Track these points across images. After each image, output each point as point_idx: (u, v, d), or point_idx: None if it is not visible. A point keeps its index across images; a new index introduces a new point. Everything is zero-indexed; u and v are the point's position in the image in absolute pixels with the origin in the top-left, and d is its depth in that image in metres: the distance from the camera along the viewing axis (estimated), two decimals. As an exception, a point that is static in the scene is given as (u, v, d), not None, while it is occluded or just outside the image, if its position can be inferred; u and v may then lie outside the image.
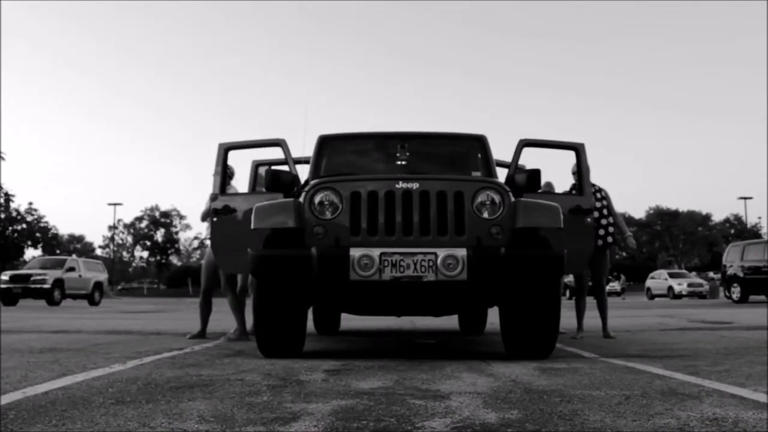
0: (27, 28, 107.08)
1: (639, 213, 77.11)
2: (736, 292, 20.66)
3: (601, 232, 6.72)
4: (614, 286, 40.76)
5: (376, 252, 4.28)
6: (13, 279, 22.16)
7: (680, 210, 73.91)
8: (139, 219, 75.90)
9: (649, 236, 74.74)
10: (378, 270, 4.26)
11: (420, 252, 4.30)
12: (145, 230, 76.25)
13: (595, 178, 6.94)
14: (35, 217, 56.47)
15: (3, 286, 21.88)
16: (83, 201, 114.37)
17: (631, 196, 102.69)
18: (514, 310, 4.63)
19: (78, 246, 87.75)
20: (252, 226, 4.73)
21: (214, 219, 5.72)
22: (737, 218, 71.81)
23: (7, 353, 4.92)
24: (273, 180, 5.21)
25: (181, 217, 75.03)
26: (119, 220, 73.88)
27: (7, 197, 52.32)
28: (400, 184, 4.52)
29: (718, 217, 75.58)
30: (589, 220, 5.95)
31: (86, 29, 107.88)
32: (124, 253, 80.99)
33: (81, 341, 6.18)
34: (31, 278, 21.92)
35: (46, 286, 21.74)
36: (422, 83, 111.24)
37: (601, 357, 4.73)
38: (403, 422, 2.38)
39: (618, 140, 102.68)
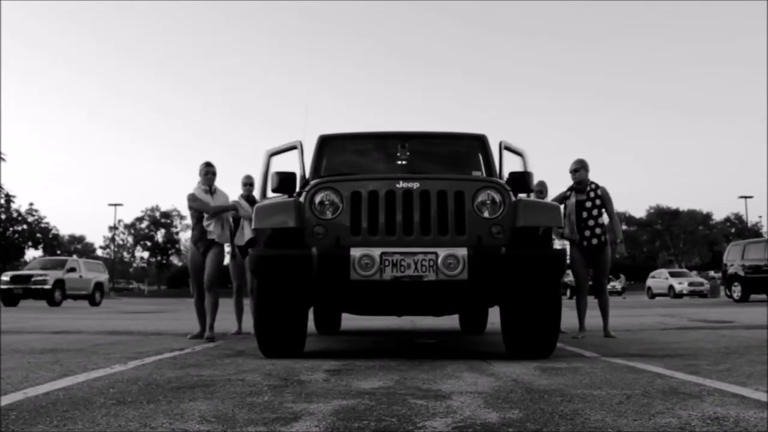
0: (27, 28, 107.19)
1: (639, 212, 77.17)
2: (736, 291, 20.66)
3: (597, 231, 6.69)
4: (615, 285, 40.74)
5: (376, 252, 4.28)
6: (13, 280, 22.15)
7: (681, 209, 73.89)
8: (140, 219, 75.92)
9: (649, 235, 74.73)
10: (378, 270, 4.26)
11: (420, 252, 4.30)
12: (146, 231, 76.24)
13: (596, 177, 6.94)
14: (36, 217, 56.47)
15: (4, 286, 21.87)
16: (84, 201, 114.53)
17: (632, 196, 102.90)
18: (514, 310, 4.63)
19: (78, 246, 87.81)
20: (253, 226, 4.73)
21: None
22: (738, 217, 71.76)
23: (8, 354, 4.92)
24: (279, 182, 5.31)
25: (182, 218, 74.95)
26: (120, 221, 73.99)
27: (8, 198, 52.32)
28: (401, 184, 4.52)
29: (718, 216, 75.62)
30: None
31: (86, 29, 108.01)
32: (125, 254, 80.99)
33: (82, 342, 6.18)
34: (32, 279, 21.91)
35: (46, 286, 21.74)
36: (422, 83, 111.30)
37: (602, 356, 4.73)
38: (404, 422, 2.38)
39: (618, 140, 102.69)
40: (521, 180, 5.37)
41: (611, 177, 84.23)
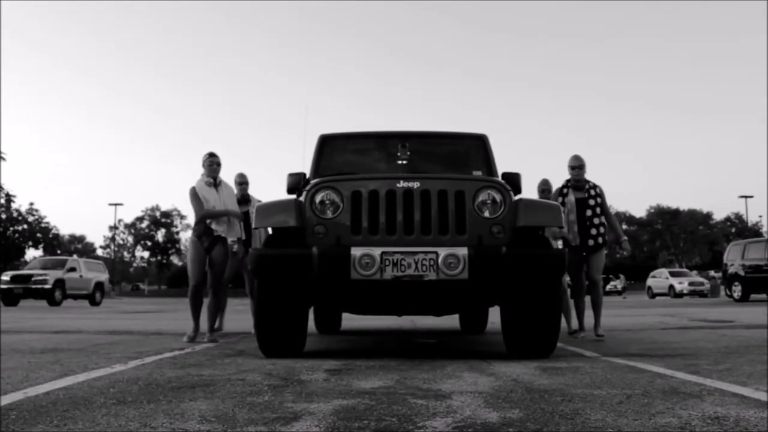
0: (27, 28, 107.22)
1: (640, 212, 77.15)
2: (737, 290, 20.67)
3: (593, 231, 6.46)
4: (615, 285, 40.74)
5: (377, 251, 4.28)
6: (14, 279, 22.17)
7: (681, 209, 73.89)
8: (140, 219, 75.89)
9: (649, 235, 74.73)
10: (379, 269, 4.26)
11: (421, 251, 4.30)
12: (146, 230, 76.23)
13: (595, 177, 6.93)
14: (36, 217, 56.51)
15: (4, 286, 21.89)
16: (84, 201, 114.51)
17: (632, 196, 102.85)
18: (515, 309, 4.63)
19: (79, 246, 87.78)
20: (253, 226, 4.73)
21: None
22: (738, 217, 71.74)
23: (8, 354, 4.92)
24: (289, 184, 5.53)
25: (182, 217, 74.99)
26: (120, 221, 73.93)
27: (8, 198, 52.35)
28: (401, 184, 4.52)
29: (718, 215, 75.60)
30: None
31: (86, 29, 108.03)
32: (125, 254, 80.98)
33: (82, 341, 6.18)
34: (32, 279, 21.92)
35: (47, 286, 21.75)
36: (422, 83, 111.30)
37: (602, 356, 4.73)
38: (405, 422, 2.38)
39: (618, 140, 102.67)
40: (513, 181, 5.47)
41: (611, 177, 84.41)
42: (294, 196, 5.26)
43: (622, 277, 44.62)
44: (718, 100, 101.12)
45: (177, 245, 76.61)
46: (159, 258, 77.13)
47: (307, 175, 5.81)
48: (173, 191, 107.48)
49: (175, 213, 75.46)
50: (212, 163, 6.35)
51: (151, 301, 32.73)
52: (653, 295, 33.85)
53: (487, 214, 4.51)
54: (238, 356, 4.79)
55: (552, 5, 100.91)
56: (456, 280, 4.27)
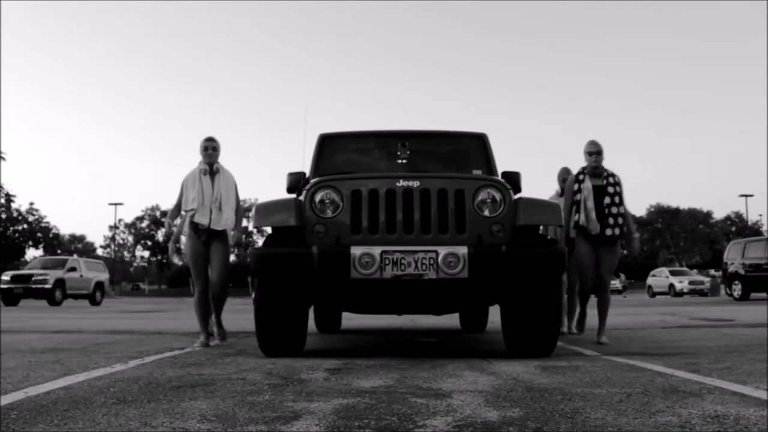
0: (27, 28, 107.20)
1: (640, 211, 77.08)
2: (737, 289, 20.66)
3: (611, 221, 5.74)
4: (615, 284, 40.74)
5: (377, 250, 4.28)
6: (14, 279, 22.16)
7: (681, 208, 73.86)
8: (140, 219, 75.86)
9: (650, 234, 74.67)
10: (379, 268, 4.26)
11: (421, 250, 4.30)
12: (146, 230, 76.20)
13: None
14: (36, 217, 56.48)
15: (4, 286, 21.88)
16: (84, 201, 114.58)
17: (632, 194, 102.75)
18: (515, 308, 4.63)
19: (79, 246, 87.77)
20: (253, 225, 4.73)
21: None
22: (738, 216, 71.66)
23: (9, 353, 4.92)
24: (289, 183, 5.56)
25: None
26: (120, 220, 73.92)
27: (8, 197, 52.33)
28: (401, 183, 4.52)
29: (719, 214, 75.49)
30: None
31: (86, 29, 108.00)
32: (125, 253, 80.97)
33: (82, 341, 6.18)
34: (33, 278, 21.91)
35: (47, 286, 21.74)
36: (422, 83, 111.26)
37: (602, 355, 4.73)
38: (405, 421, 2.38)
39: (618, 139, 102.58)
40: (512, 180, 5.47)
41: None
42: (294, 196, 5.27)
43: (622, 275, 44.62)
44: (718, 100, 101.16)
45: (177, 245, 76.50)
46: (159, 258, 77.08)
47: (307, 175, 5.81)
48: (173, 191, 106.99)
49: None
50: (206, 147, 5.65)
51: (152, 301, 32.73)
52: (653, 294, 33.84)
53: (486, 213, 4.51)
54: (239, 355, 4.79)
55: (552, 5, 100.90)
56: (456, 279, 4.27)
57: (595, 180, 5.87)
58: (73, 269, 23.26)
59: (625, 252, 6.92)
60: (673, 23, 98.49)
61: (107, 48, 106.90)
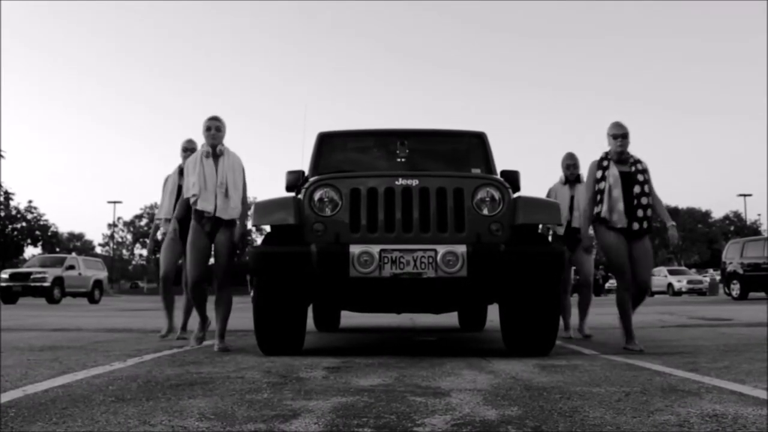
0: (27, 28, 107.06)
1: (639, 210, 76.94)
2: (735, 289, 20.69)
3: (640, 213, 5.04)
4: (615, 283, 40.73)
5: (375, 249, 4.28)
6: (13, 277, 22.13)
7: (680, 207, 73.89)
8: (139, 217, 75.83)
9: (648, 233, 74.65)
10: (378, 267, 4.26)
11: (420, 249, 4.30)
12: (145, 228, 76.11)
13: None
14: (35, 215, 56.38)
15: (3, 284, 21.84)
16: (83, 199, 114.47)
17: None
18: (514, 307, 4.64)
19: (78, 244, 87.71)
20: (251, 224, 4.73)
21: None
22: (737, 215, 71.73)
23: (8, 351, 4.92)
24: (288, 181, 5.57)
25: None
26: (119, 218, 73.96)
27: (7, 195, 52.25)
28: (400, 181, 4.52)
29: (717, 214, 75.54)
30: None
31: (86, 28, 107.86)
32: (124, 251, 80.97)
33: (81, 339, 6.18)
34: (31, 276, 21.89)
35: (45, 284, 21.72)
36: (422, 83, 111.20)
37: (601, 354, 4.73)
38: (404, 419, 2.38)
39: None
40: (511, 178, 5.48)
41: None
42: (293, 194, 5.27)
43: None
44: (717, 99, 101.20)
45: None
46: (158, 256, 77.06)
47: (306, 173, 5.81)
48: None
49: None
50: (209, 127, 5.08)
51: (150, 299, 32.71)
52: (652, 293, 33.84)
53: (485, 211, 4.51)
54: (237, 354, 4.79)
55: (552, 5, 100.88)
56: (455, 277, 4.27)
57: (621, 166, 5.17)
58: (71, 267, 23.24)
59: (671, 246, 6.34)
60: (672, 23, 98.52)
61: (107, 47, 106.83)
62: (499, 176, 5.47)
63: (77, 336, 6.63)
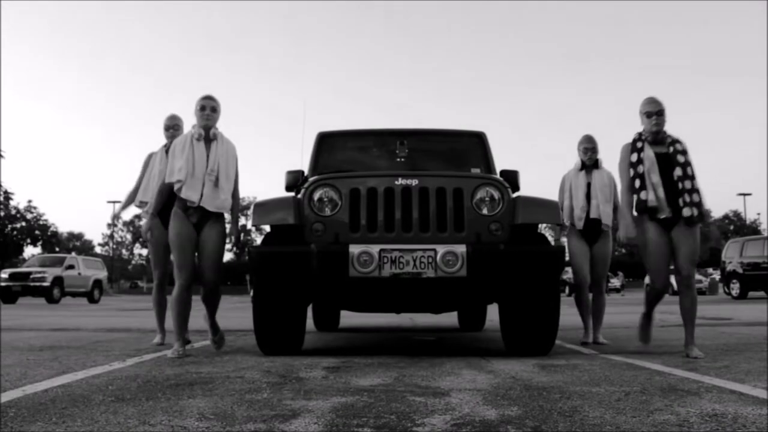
0: (27, 27, 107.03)
1: (638, 210, 76.96)
2: (735, 288, 20.68)
3: (686, 198, 4.43)
4: (614, 282, 40.73)
5: (375, 248, 4.28)
6: (12, 277, 22.13)
7: (679, 206, 73.86)
8: (139, 217, 75.78)
9: (648, 233, 74.65)
10: (377, 266, 4.26)
11: (419, 248, 4.30)
12: (145, 228, 76.20)
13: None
14: (34, 215, 56.36)
15: (2, 284, 21.84)
16: (82, 199, 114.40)
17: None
18: (513, 307, 4.64)
19: (77, 244, 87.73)
20: (251, 223, 4.73)
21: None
22: (736, 214, 71.75)
23: (7, 351, 4.92)
24: (288, 181, 5.58)
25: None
26: (119, 218, 73.89)
27: (7, 195, 52.23)
28: (400, 181, 4.52)
29: (717, 213, 75.58)
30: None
31: (86, 28, 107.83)
32: (124, 251, 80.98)
33: (81, 339, 6.18)
34: (31, 276, 21.89)
35: (45, 284, 21.71)
36: (421, 81, 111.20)
37: (600, 353, 4.73)
38: (403, 419, 2.38)
39: (618, 138, 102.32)
40: (511, 178, 5.48)
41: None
42: (292, 194, 5.27)
43: (620, 274, 44.62)
44: (717, 99, 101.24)
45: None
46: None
47: (306, 173, 5.81)
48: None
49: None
50: (204, 106, 4.59)
51: (150, 299, 32.67)
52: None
53: (485, 211, 4.51)
54: (237, 354, 4.79)
55: (551, 5, 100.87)
56: (454, 277, 4.27)
57: (658, 147, 4.57)
58: (71, 267, 23.24)
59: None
60: (673, 23, 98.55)
61: (107, 47, 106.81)
62: (498, 176, 5.47)
63: (77, 336, 6.63)
